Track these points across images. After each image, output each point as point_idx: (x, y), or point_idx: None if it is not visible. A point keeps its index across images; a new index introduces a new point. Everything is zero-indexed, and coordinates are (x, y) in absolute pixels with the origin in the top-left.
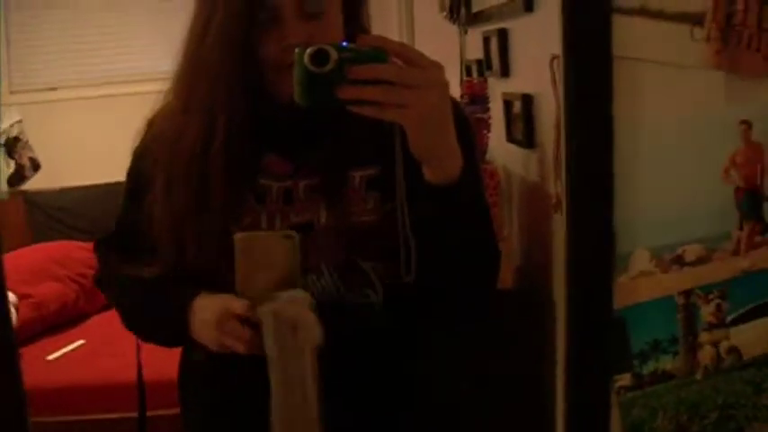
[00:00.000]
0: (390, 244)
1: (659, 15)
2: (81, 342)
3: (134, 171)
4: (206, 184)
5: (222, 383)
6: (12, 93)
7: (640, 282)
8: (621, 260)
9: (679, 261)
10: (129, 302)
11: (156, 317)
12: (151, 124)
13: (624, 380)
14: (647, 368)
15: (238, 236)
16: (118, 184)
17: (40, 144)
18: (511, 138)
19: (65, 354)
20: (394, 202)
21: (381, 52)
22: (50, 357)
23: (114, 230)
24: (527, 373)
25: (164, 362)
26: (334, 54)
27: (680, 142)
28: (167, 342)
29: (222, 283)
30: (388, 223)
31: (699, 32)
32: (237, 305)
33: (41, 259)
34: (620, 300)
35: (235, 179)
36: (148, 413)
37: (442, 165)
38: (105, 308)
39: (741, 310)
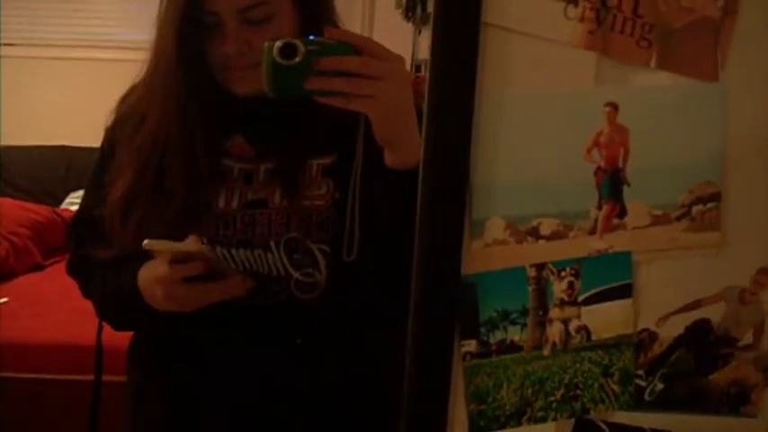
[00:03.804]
0: (337, 228)
1: None
2: (4, 299)
3: (101, 149)
4: (164, 166)
5: (170, 352)
6: None
7: (494, 250)
8: (477, 226)
9: (534, 233)
10: (93, 287)
11: (113, 296)
12: (123, 103)
13: (470, 346)
14: (495, 337)
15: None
16: (62, 147)
17: None
18: None
19: None
20: (344, 190)
21: (347, 45)
22: None
23: (80, 212)
24: None
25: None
26: (301, 47)
27: (545, 116)
28: (132, 323)
29: None
30: (336, 209)
31: (573, 11)
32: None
33: None
34: (473, 266)
35: (193, 162)
36: (79, 377)
37: (404, 151)
38: (34, 268)
39: (593, 291)
